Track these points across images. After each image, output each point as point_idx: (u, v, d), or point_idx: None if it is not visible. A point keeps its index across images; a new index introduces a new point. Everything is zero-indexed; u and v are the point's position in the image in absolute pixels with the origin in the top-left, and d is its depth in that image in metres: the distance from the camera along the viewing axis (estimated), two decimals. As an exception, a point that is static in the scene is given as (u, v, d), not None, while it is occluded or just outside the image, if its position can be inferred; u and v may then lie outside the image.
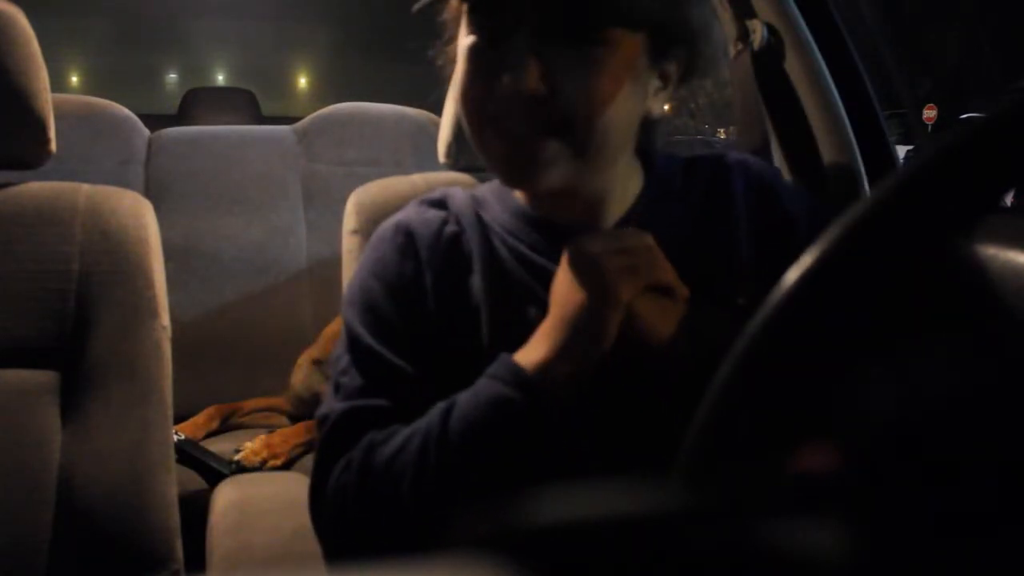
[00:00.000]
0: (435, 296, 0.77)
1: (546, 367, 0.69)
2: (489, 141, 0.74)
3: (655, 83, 0.77)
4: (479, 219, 0.81)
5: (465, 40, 0.74)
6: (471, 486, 0.68)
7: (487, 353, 0.72)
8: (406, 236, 0.80)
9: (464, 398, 0.70)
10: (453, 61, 0.83)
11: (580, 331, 0.69)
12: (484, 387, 0.70)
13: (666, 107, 0.82)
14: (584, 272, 0.70)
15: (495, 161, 0.75)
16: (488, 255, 0.78)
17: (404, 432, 0.71)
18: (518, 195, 0.83)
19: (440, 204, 0.84)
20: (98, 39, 5.63)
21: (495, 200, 0.83)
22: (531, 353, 0.70)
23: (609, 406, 0.72)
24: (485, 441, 0.68)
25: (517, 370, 0.69)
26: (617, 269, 0.69)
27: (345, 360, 0.77)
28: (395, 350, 0.76)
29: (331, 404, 0.76)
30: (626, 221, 0.79)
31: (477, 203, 0.83)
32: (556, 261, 0.74)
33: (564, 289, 0.71)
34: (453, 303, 0.77)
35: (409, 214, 0.83)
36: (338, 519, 0.73)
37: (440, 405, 0.71)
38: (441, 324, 0.77)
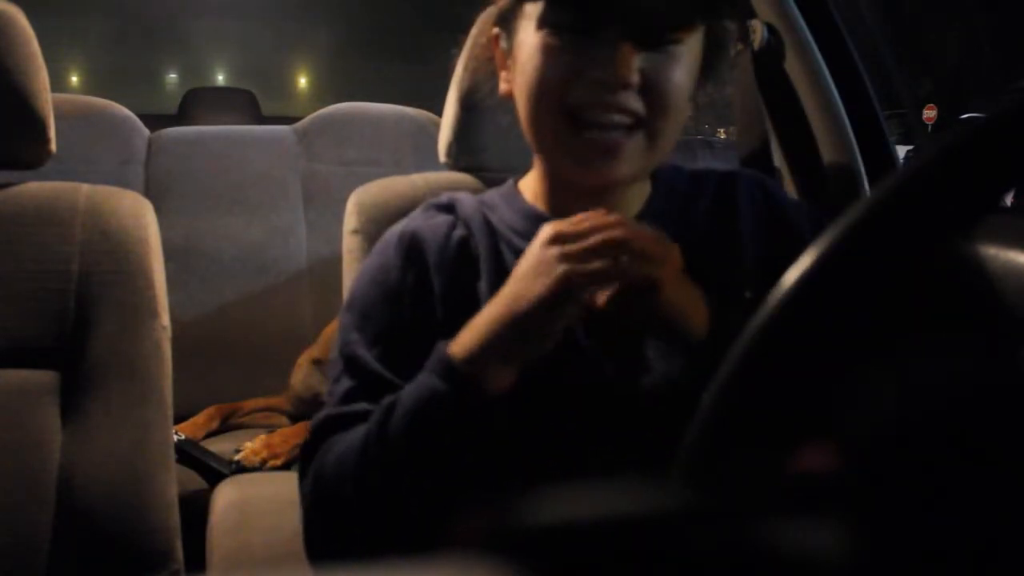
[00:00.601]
0: (443, 301, 0.77)
1: (478, 357, 0.67)
2: (567, 132, 0.74)
3: None
4: (487, 222, 0.80)
5: (536, 36, 0.74)
6: (414, 480, 0.68)
7: None
8: (412, 243, 0.79)
9: (406, 391, 0.70)
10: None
11: (520, 329, 0.66)
12: (421, 379, 0.69)
13: None
14: (543, 270, 0.65)
15: (571, 153, 0.75)
16: (494, 260, 0.77)
17: (354, 432, 0.71)
18: (528, 197, 0.82)
19: (448, 208, 0.83)
20: (98, 39, 5.64)
21: (504, 202, 0.82)
22: (466, 339, 0.68)
23: (556, 404, 0.71)
24: (420, 433, 0.67)
25: (446, 360, 0.68)
26: (579, 273, 0.64)
27: (338, 367, 0.77)
28: (385, 361, 0.75)
29: (320, 411, 0.77)
30: None
31: (485, 207, 0.82)
32: None
33: (520, 279, 0.67)
34: (462, 308, 0.76)
35: (417, 220, 0.82)
36: (310, 526, 0.74)
37: (385, 401, 0.70)
38: (448, 329, 0.76)
